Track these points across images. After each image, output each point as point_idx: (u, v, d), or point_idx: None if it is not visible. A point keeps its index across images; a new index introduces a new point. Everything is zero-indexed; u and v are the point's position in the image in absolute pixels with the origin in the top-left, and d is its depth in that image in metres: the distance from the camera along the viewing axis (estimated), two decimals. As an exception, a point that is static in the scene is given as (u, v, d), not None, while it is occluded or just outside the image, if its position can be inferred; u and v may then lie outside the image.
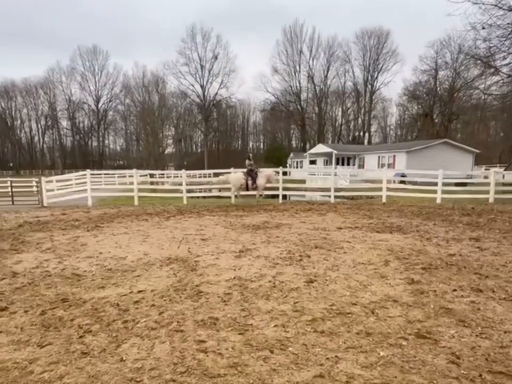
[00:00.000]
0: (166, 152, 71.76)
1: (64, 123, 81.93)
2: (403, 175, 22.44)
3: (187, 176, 17.54)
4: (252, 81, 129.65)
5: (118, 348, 3.22)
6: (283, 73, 74.72)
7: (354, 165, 44.30)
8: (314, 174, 36.47)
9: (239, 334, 3.46)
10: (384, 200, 15.70)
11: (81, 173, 18.61)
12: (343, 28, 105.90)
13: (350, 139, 75.43)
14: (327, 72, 74.83)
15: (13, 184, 18.54)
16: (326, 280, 5.02)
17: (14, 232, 9.14)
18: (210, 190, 19.14)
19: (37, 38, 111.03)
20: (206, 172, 32.17)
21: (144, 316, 3.90)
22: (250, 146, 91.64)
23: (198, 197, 18.51)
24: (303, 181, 27.41)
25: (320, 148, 47.14)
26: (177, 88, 70.88)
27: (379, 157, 40.08)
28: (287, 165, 56.54)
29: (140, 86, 71.62)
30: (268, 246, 7.16)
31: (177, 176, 23.67)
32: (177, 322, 3.72)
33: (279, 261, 6.04)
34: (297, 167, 55.88)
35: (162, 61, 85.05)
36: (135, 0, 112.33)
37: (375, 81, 73.97)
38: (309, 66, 74.45)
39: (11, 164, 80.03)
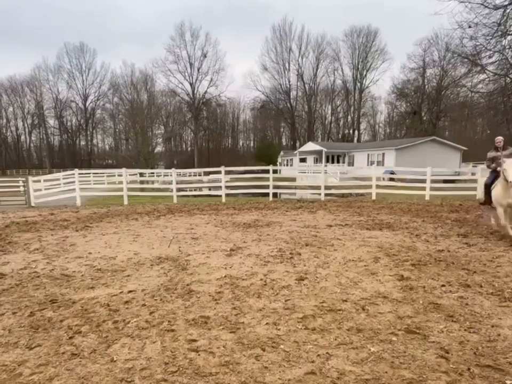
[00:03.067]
0: (155, 151, 71.13)
1: (52, 122, 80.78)
2: (392, 173, 22.66)
3: (177, 175, 17.44)
4: (242, 80, 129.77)
5: (108, 349, 3.19)
6: (272, 71, 74.80)
7: (344, 162, 44.59)
8: (305, 172, 36.60)
9: (231, 332, 3.46)
10: (374, 197, 15.84)
11: (69, 172, 18.38)
12: (332, 26, 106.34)
13: (340, 137, 75.88)
14: (316, 70, 75.13)
15: (-1, 184, 18.24)
16: (317, 277, 5.04)
17: (0, 233, 8.98)
18: (200, 189, 19.07)
19: (22, 35, 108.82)
20: (197, 170, 32.01)
21: (134, 316, 3.87)
22: (241, 144, 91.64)
23: (188, 196, 18.43)
24: (294, 179, 27.48)
25: (310, 146, 47.33)
26: (166, 86, 70.35)
27: (368, 154, 40.40)
28: (278, 163, 56.63)
29: (128, 84, 70.74)
30: (259, 244, 7.17)
31: (167, 175, 23.54)
32: (168, 321, 3.70)
33: (270, 259, 6.05)
34: (287, 165, 56.03)
35: (151, 59, 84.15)
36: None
37: (364, 79, 74.51)
38: (298, 64, 74.63)
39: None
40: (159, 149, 74.42)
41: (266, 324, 3.62)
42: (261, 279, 5.01)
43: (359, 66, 73.55)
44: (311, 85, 76.07)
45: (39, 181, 17.13)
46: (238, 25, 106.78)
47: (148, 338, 3.37)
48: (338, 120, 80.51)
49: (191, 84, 70.91)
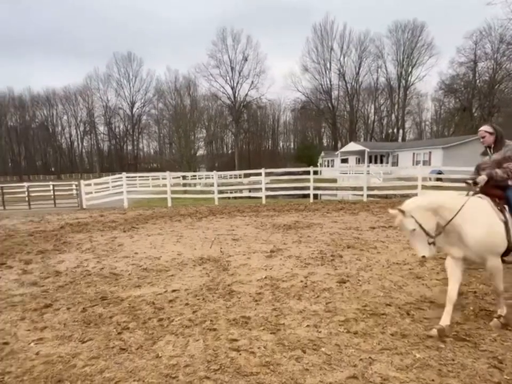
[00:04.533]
0: (197, 154, 72.96)
1: (101, 128, 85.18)
2: (440, 172, 21.65)
3: (218, 177, 17.77)
4: (282, 81, 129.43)
5: (154, 345, 3.33)
6: (313, 72, 73.95)
7: (387, 162, 43.19)
8: (346, 173, 35.87)
9: (271, 333, 3.47)
10: (419, 198, 15.21)
11: (117, 176, 19.29)
12: (375, 23, 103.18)
13: (383, 136, 73.56)
14: (359, 68, 73.32)
15: (55, 188, 19.50)
16: (359, 280, 4.94)
17: (56, 234, 9.62)
18: (241, 191, 19.28)
19: (76, 48, 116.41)
20: (237, 172, 32.39)
21: (178, 314, 4.00)
22: (281, 146, 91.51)
23: (229, 198, 18.69)
24: (335, 180, 27.04)
25: (352, 146, 46.32)
26: (208, 90, 71.81)
27: (414, 154, 38.85)
28: (318, 164, 55.98)
29: (172, 90, 73.14)
30: (299, 246, 7.13)
31: (209, 178, 24.07)
32: (210, 320, 3.79)
33: (310, 261, 6.00)
34: (328, 166, 55.22)
35: (194, 65, 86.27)
36: (163, 7, 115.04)
37: (409, 76, 71.60)
38: (340, 63, 73.23)
39: (53, 169, 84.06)
40: (201, 152, 76.21)
41: (307, 326, 3.60)
42: (301, 281, 4.99)
43: (404, 62, 70.85)
44: (353, 84, 74.44)
45: (90, 185, 18.12)
46: (279, 26, 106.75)
47: (191, 336, 3.47)
48: (381, 119, 78.11)
49: (232, 88, 71.91)
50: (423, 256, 3.38)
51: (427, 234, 3.33)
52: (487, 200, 3.54)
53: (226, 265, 5.95)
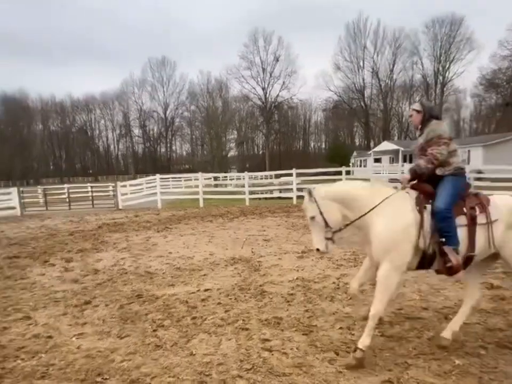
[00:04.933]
0: (229, 155, 73.73)
1: (136, 131, 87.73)
2: (479, 172, 20.71)
3: (249, 178, 17.86)
4: (313, 81, 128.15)
5: (188, 343, 3.40)
6: (346, 70, 72.63)
7: (423, 162, 41.76)
8: (379, 173, 35.04)
9: (303, 334, 3.46)
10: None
11: (151, 177, 19.83)
12: (410, 19, 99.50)
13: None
14: (393, 66, 71.27)
15: (93, 189, 20.31)
16: (394, 283, 4.81)
17: (94, 233, 10.02)
18: (271, 192, 19.27)
19: (113, 54, 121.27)
20: (268, 173, 32.41)
21: (211, 313, 4.05)
22: (312, 146, 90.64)
23: (259, 198, 18.74)
24: (367, 180, 26.46)
25: (385, 145, 45.19)
26: (239, 92, 72.36)
27: (451, 152, 37.36)
28: (350, 164, 55.01)
29: (204, 92, 74.36)
30: (332, 247, 7.04)
31: (240, 178, 24.24)
32: (243, 320, 3.82)
33: (343, 262, 5.92)
34: (360, 166, 54.13)
35: (226, 67, 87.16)
36: (195, 11, 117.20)
37: (447, 72, 68.78)
38: (373, 61, 71.49)
39: (90, 171, 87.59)
40: (232, 153, 77.01)
41: (340, 328, 3.56)
42: (334, 283, 4.93)
43: (441, 58, 68.17)
44: (387, 81, 72.51)
45: (125, 186, 18.72)
46: (311, 26, 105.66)
47: (223, 335, 3.51)
48: (417, 117, 75.68)
49: (263, 88, 72.00)
50: (318, 250, 3.02)
51: (326, 226, 2.95)
52: (412, 197, 2.98)
53: (258, 265, 5.98)
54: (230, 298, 4.51)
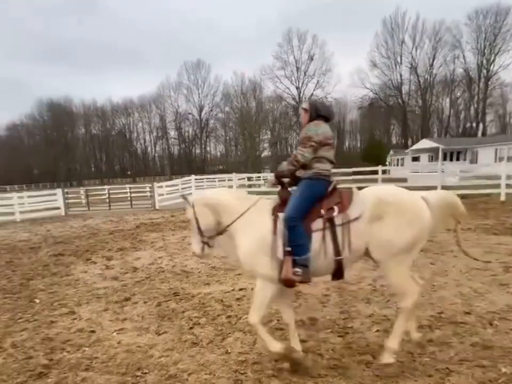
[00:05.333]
0: (262, 155, 73.93)
1: (172, 133, 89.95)
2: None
3: (283, 178, 17.85)
4: (349, 79, 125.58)
5: (223, 341, 3.45)
6: (382, 67, 70.69)
7: (465, 160, 39.93)
8: (418, 172, 33.85)
9: (339, 336, 3.41)
10: (503, 198, 13.85)
11: (186, 178, 20.24)
12: (451, 11, 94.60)
13: (460, 131, 68.16)
14: (433, 60, 68.47)
15: (131, 190, 21.03)
16: (433, 285, 4.64)
17: (133, 232, 10.38)
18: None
19: (151, 59, 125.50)
20: (301, 173, 32.27)
21: (245, 313, 4.08)
22: (346, 145, 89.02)
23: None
24: (404, 180, 25.63)
25: (424, 143, 43.58)
26: (273, 92, 72.36)
27: (496, 149, 35.43)
28: (387, 163, 53.51)
29: (238, 93, 75.02)
30: (368, 248, 6.89)
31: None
32: (277, 320, 3.82)
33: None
34: (397, 165, 52.55)
35: (260, 67, 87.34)
36: (228, 12, 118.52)
37: (491, 65, 65.29)
38: (412, 56, 69.05)
39: (129, 172, 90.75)
40: (265, 153, 77.18)
41: (377, 330, 3.48)
42: (370, 284, 4.83)
43: (486, 51, 64.75)
44: (426, 77, 69.79)
45: (162, 187, 19.23)
46: (345, 23, 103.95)
47: (258, 334, 3.52)
48: (458, 113, 72.27)
49: (297, 88, 71.65)
50: (193, 253, 3.12)
51: (200, 230, 3.00)
52: (272, 205, 2.90)
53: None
54: (265, 298, 4.52)
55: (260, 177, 30.11)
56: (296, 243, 2.65)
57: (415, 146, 46.57)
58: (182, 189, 20.66)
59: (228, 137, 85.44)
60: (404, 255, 2.70)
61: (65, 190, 19.67)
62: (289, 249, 2.67)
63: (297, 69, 70.74)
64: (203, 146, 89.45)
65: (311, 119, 2.96)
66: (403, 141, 72.46)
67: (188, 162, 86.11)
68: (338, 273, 2.76)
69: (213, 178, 30.13)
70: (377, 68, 71.13)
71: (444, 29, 66.40)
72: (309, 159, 2.84)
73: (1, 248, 9.27)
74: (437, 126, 75.10)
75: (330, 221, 2.67)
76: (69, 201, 19.06)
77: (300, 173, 2.91)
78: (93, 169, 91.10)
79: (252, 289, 4.88)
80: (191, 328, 3.79)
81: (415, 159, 46.90)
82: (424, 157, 45.65)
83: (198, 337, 3.56)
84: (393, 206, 2.66)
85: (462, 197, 16.43)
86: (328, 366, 2.89)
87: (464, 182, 18.10)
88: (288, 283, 2.71)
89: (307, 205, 2.73)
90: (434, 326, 3.51)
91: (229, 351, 3.25)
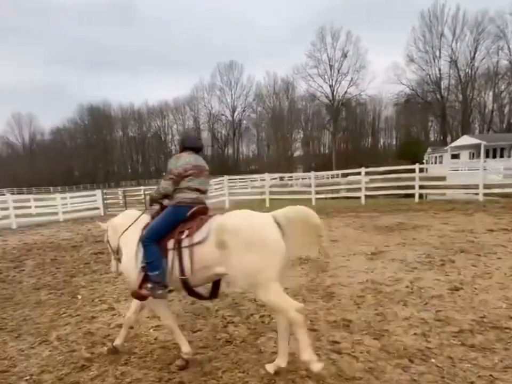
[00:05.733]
0: (294, 155, 73.56)
1: (205, 134, 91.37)
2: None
3: (315, 177, 17.63)
4: (384, 75, 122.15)
5: (256, 340, 3.47)
6: (420, 62, 68.13)
7: (509, 156, 37.87)
8: (457, 170, 32.48)
9: (374, 338, 3.34)
10: (552, 197, 13.03)
11: (219, 178, 20.52)
12: (495, 0, 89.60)
13: (504, 127, 64.58)
14: (474, 53, 65.20)
15: (166, 190, 21.57)
16: (475, 288, 4.44)
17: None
18: (338, 191, 18.83)
19: (184, 61, 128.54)
20: (335, 172, 31.76)
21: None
22: (381, 143, 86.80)
23: (326, 198, 18.42)
24: (443, 178, 24.67)
25: (465, 140, 41.72)
26: (306, 91, 71.74)
27: (544, 145, 33.35)
28: (424, 161, 51.70)
29: (271, 93, 75.06)
30: (403, 249, 6.70)
31: (305, 178, 24.09)
32: (310, 321, 3.79)
33: (417, 265, 5.60)
34: (435, 163, 50.63)
35: (292, 66, 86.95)
36: (262, 12, 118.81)
37: (540, 55, 61.40)
38: (452, 49, 66.08)
39: (164, 173, 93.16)
40: (298, 153, 76.76)
41: (414, 334, 3.38)
42: (407, 286, 4.69)
43: (532, 40, 61.05)
44: (467, 70, 66.58)
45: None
46: (381, 18, 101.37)
47: (291, 335, 3.51)
48: (502, 108, 68.41)
49: (330, 86, 70.57)
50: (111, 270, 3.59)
51: (112, 250, 3.43)
52: (146, 222, 3.22)
53: (325, 266, 5.89)
54: (297, 299, 4.49)
55: (292, 177, 29.98)
56: (148, 260, 2.93)
57: (454, 143, 44.75)
58: (215, 189, 20.94)
59: (260, 137, 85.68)
60: (260, 279, 2.72)
61: (104, 191, 20.47)
62: (143, 265, 2.96)
63: (331, 66, 69.65)
64: (236, 146, 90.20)
65: (181, 151, 3.30)
66: (441, 137, 69.61)
67: (220, 163, 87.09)
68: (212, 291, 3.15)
69: (246, 179, 30.35)
70: (414, 63, 68.64)
71: (487, 20, 62.99)
72: (170, 191, 3.15)
73: (47, 246, 9.80)
74: (479, 121, 71.55)
75: (179, 242, 2.90)
76: (108, 201, 19.81)
77: (165, 202, 3.28)
78: (129, 170, 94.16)
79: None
80: (225, 326, 3.84)
81: (455, 156, 45.04)
82: (464, 154, 43.73)
83: (231, 335, 3.60)
84: (233, 233, 2.71)
85: (507, 196, 15.74)
86: (363, 369, 2.84)
87: (509, 180, 17.15)
88: (135, 296, 3.05)
89: (165, 228, 3.01)
90: (476, 330, 3.36)
91: (262, 350, 3.26)
